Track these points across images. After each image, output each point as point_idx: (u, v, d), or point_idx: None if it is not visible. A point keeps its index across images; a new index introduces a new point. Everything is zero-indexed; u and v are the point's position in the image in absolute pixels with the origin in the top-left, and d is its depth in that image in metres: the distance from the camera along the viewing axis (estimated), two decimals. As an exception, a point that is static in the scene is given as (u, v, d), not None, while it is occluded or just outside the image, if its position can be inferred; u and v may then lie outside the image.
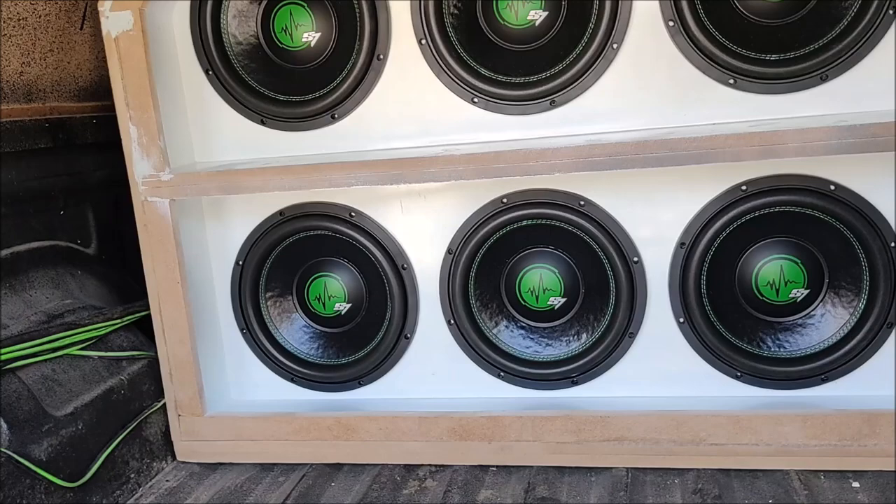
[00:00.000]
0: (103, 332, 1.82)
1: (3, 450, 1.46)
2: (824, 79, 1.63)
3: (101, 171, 2.13)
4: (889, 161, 1.61)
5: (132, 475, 1.80)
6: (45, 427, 1.58)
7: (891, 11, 1.58)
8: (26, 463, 1.48)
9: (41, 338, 1.67)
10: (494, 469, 1.77)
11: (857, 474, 1.60)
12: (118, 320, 1.88)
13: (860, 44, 1.60)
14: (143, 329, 1.98)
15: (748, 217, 1.72)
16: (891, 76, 1.60)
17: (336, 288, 1.99)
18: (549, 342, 1.90)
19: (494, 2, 1.78)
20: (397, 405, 1.90)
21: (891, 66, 1.60)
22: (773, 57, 1.65)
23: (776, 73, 1.65)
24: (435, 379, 1.95)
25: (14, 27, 1.75)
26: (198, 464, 1.92)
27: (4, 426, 1.50)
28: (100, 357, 1.81)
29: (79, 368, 1.76)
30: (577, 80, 1.73)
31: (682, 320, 1.79)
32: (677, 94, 1.70)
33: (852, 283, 1.72)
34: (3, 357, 1.56)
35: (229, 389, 2.04)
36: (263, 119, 1.91)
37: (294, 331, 2.04)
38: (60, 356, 1.71)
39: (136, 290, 2.02)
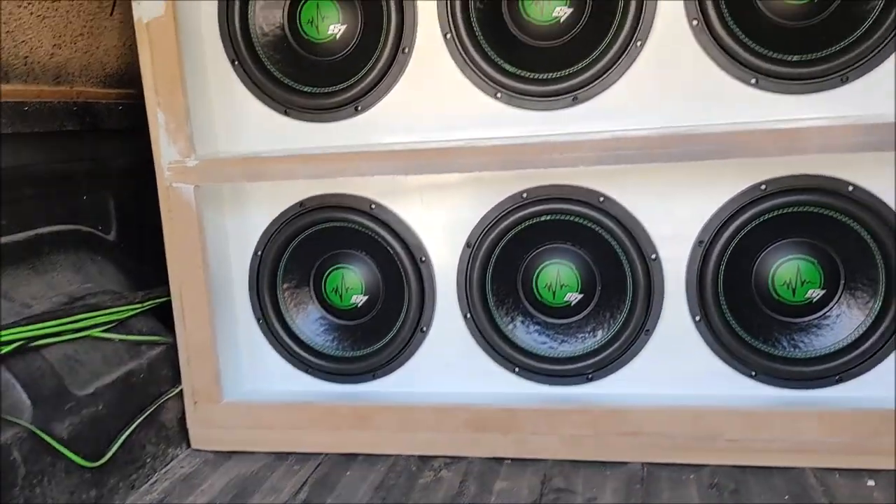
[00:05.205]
0: (124, 315, 1.83)
1: (28, 425, 1.46)
2: (845, 80, 1.64)
3: (122, 158, 2.14)
4: (908, 163, 1.63)
5: (148, 459, 1.80)
6: (68, 405, 1.58)
7: (912, 15, 1.60)
8: (49, 440, 1.48)
9: (64, 318, 1.68)
10: (510, 462, 1.77)
11: (873, 473, 1.60)
12: (139, 305, 1.89)
13: (881, 46, 1.61)
14: (159, 318, 1.99)
15: (767, 216, 1.73)
16: (911, 79, 1.62)
17: (353, 280, 2.00)
18: (565, 338, 1.91)
19: (520, -2, 1.81)
20: (412, 397, 1.91)
21: (911, 69, 1.62)
22: (795, 58, 1.66)
23: (798, 73, 1.66)
24: (450, 372, 1.95)
25: (48, 9, 1.77)
26: (212, 451, 1.92)
27: (28, 402, 1.50)
28: (121, 340, 1.82)
29: (100, 350, 1.76)
30: (601, 76, 1.75)
31: (698, 318, 1.80)
32: (699, 93, 1.71)
33: (868, 284, 1.73)
34: (27, 335, 1.57)
35: (244, 378, 2.04)
36: (287, 110, 1.92)
37: (310, 322, 2.05)
38: (82, 337, 1.72)
39: (152, 279, 2.03)
